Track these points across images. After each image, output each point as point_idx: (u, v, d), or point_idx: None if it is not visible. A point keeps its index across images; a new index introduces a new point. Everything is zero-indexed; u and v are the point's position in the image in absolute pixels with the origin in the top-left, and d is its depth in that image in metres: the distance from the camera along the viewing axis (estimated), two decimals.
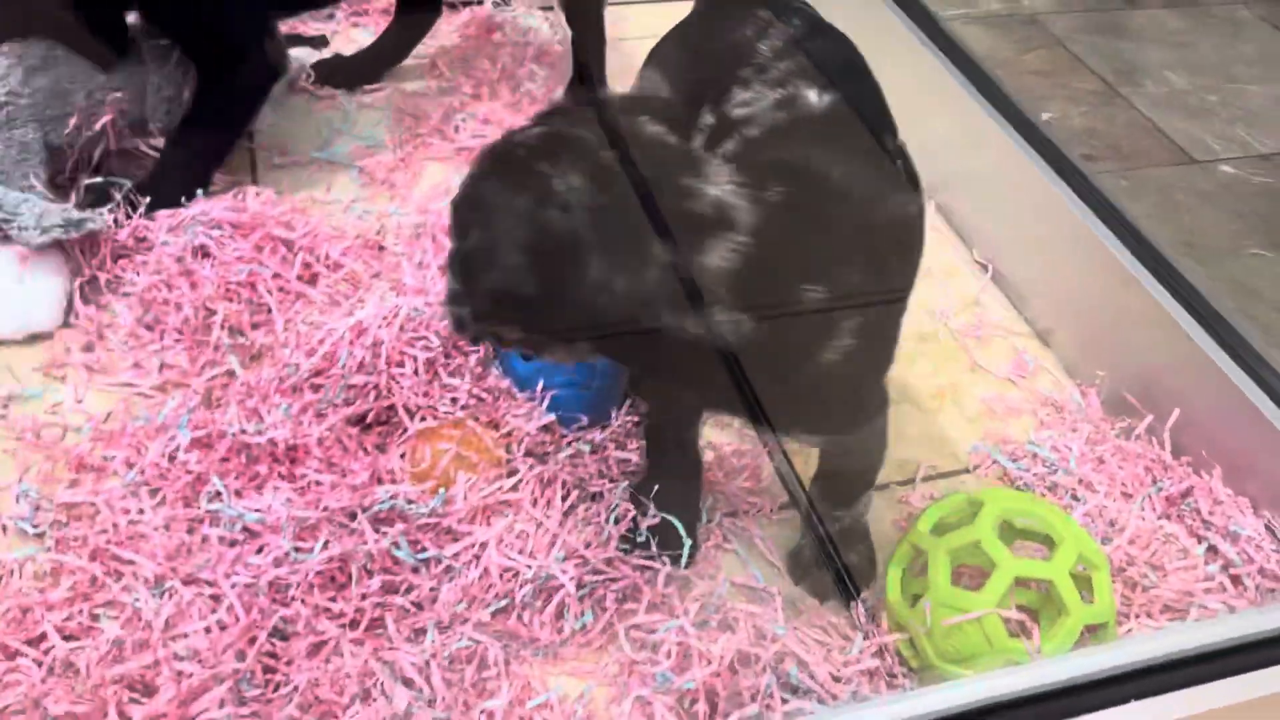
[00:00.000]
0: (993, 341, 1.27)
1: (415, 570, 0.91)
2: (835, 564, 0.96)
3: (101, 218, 1.16)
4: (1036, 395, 1.21)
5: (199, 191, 1.22)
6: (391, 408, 1.03)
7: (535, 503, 0.99)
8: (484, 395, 1.06)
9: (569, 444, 1.03)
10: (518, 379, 1.06)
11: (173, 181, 1.22)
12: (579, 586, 0.92)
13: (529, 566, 0.92)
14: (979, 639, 0.86)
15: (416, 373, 1.05)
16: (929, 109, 1.48)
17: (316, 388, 1.03)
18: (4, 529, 0.94)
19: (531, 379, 1.05)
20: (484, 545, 0.93)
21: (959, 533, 0.89)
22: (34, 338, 1.12)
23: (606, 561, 0.94)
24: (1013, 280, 1.34)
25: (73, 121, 1.21)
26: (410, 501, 0.93)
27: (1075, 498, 1.07)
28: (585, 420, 1.05)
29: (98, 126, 1.23)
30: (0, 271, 1.12)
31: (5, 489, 0.97)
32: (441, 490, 0.94)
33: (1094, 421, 1.16)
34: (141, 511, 0.94)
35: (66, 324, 1.13)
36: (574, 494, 1.00)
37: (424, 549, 0.92)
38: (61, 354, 1.10)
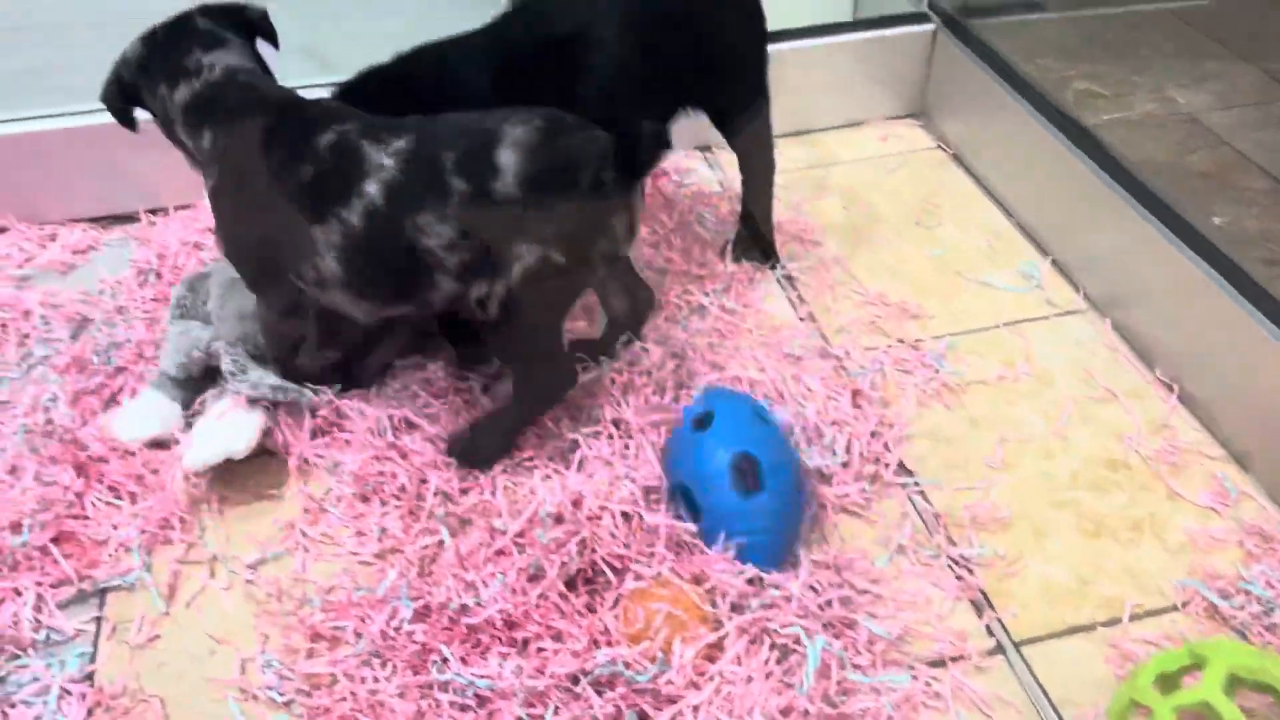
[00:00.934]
0: (1188, 467, 1.24)
1: None
2: None
3: (307, 395, 1.26)
4: (1242, 524, 1.17)
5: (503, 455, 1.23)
6: (595, 564, 1.08)
7: (740, 660, 1.01)
8: (681, 547, 1.10)
9: (765, 593, 1.05)
10: (704, 527, 1.09)
11: (481, 445, 1.23)
12: None
13: None
14: None
15: (615, 528, 1.10)
16: (1090, 222, 1.49)
17: (523, 547, 1.09)
18: (256, 698, 1.02)
19: (716, 528, 1.08)
20: (696, 709, 0.96)
21: (1187, 693, 0.87)
22: (264, 508, 1.21)
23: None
24: (1202, 399, 1.31)
25: None
26: (628, 665, 0.97)
27: None
28: (775, 569, 1.08)
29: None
30: (209, 411, 1.25)
31: (251, 659, 1.06)
32: (660, 655, 0.97)
33: None
34: (377, 680, 1.00)
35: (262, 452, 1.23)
36: (775, 650, 1.02)
37: (645, 715, 0.95)
38: (288, 522, 1.19)
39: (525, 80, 1.23)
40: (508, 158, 1.05)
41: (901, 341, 1.41)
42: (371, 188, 1.08)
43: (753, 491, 1.07)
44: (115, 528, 1.16)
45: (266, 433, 1.24)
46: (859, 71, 1.81)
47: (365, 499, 1.20)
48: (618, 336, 1.33)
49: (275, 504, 1.21)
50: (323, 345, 1.29)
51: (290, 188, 1.12)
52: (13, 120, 1.57)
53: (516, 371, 1.22)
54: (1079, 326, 1.44)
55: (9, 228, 1.59)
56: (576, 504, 1.09)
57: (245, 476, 1.23)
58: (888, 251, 1.57)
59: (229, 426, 1.21)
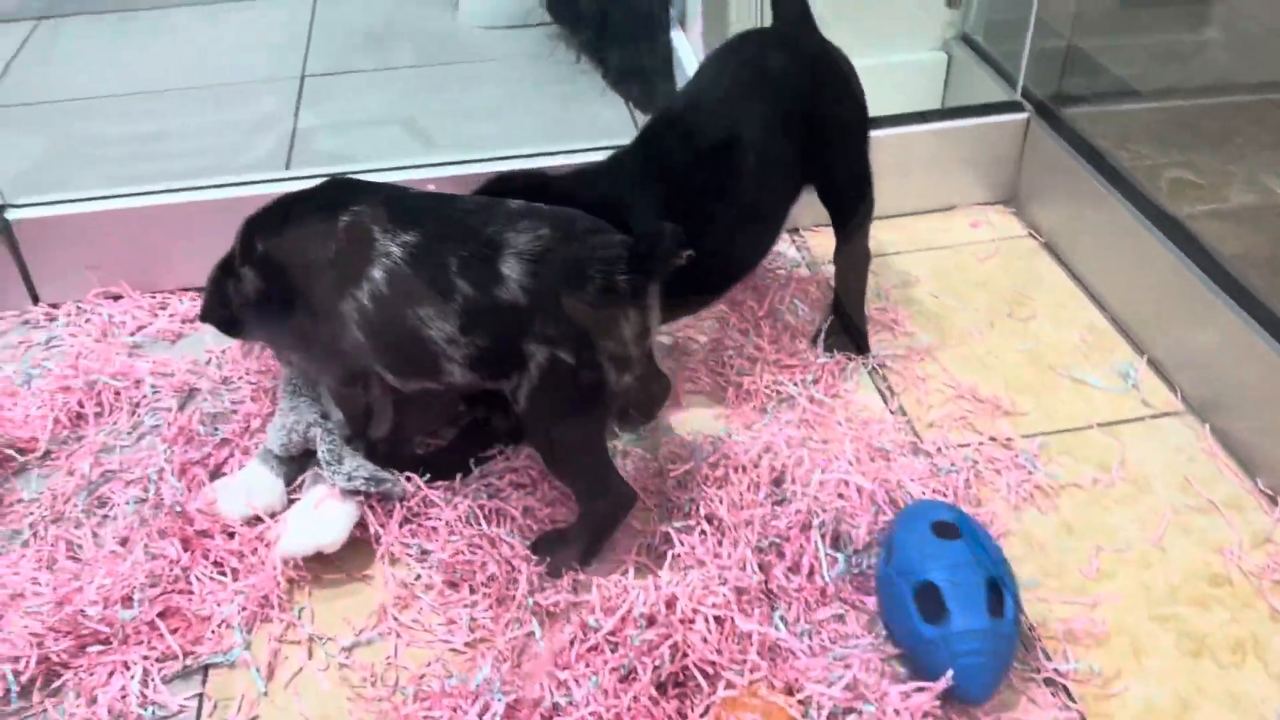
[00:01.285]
0: None
1: None
2: None
3: (400, 485, 1.29)
4: None
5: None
6: (687, 669, 1.08)
7: None
8: (775, 654, 1.09)
9: (860, 706, 1.05)
10: (920, 643, 1.07)
11: (566, 552, 1.24)
12: None
13: None
14: None
15: (708, 633, 1.10)
16: (1187, 319, 1.47)
17: (615, 646, 1.10)
18: None
19: (937, 644, 1.05)
20: None
21: None
22: (356, 589, 1.24)
23: None
24: None
25: None
26: None
27: None
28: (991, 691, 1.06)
29: None
30: (306, 496, 1.28)
31: None
32: None
33: None
34: None
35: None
36: None
37: None
38: (380, 606, 1.21)
39: (680, 191, 1.29)
40: (511, 267, 1.10)
41: (993, 439, 1.40)
42: (378, 274, 1.14)
43: (998, 614, 1.05)
44: (219, 604, 1.20)
45: (349, 495, 1.27)
46: (951, 157, 1.82)
47: (454, 586, 1.22)
48: (632, 425, 1.37)
49: (367, 586, 1.24)
50: (385, 419, 1.32)
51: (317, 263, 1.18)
52: (131, 194, 1.64)
53: (575, 495, 1.25)
54: (1176, 430, 1.42)
55: (123, 295, 1.66)
56: (670, 605, 1.10)
57: (338, 556, 1.25)
58: (979, 343, 1.56)
59: (323, 518, 1.24)
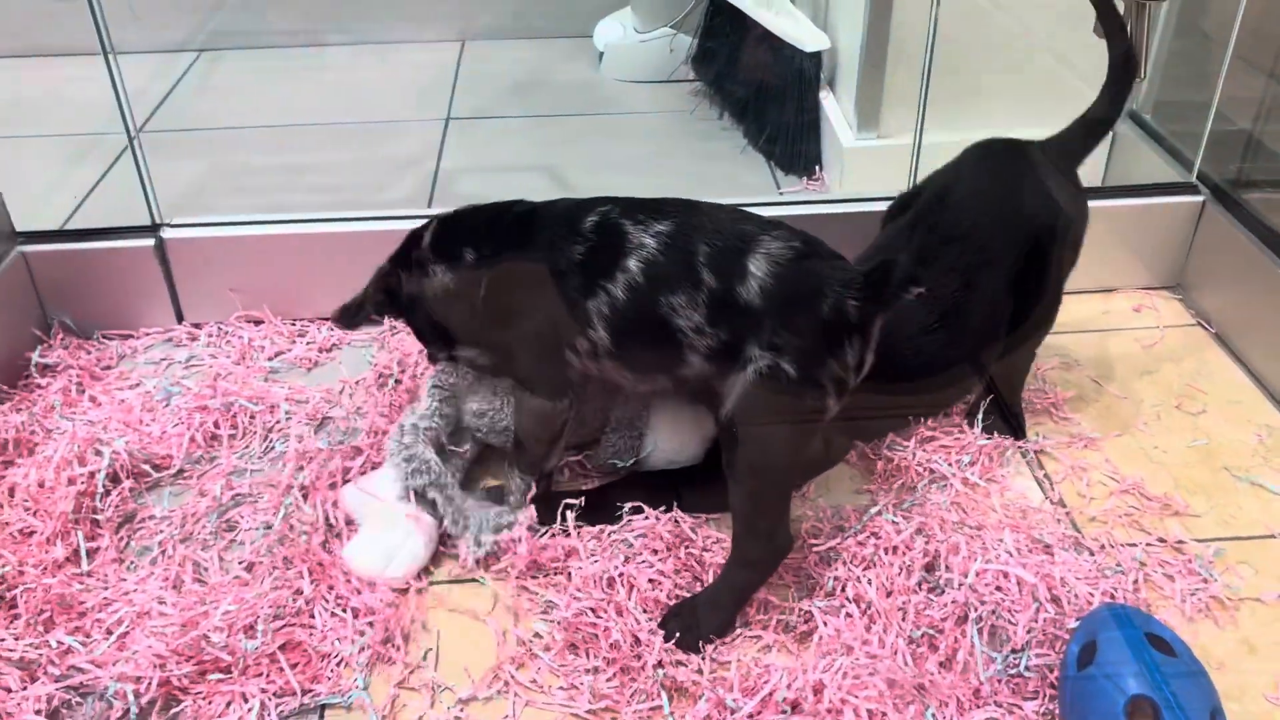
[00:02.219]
0: None
1: None
2: None
3: (524, 545, 1.24)
4: None
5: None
6: None
7: None
8: None
9: None
10: None
11: (700, 621, 1.18)
12: None
13: None
14: None
15: None
16: None
17: None
18: None
19: None
20: None
21: None
22: (477, 638, 1.18)
23: None
24: None
25: None
26: None
27: None
28: None
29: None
30: (382, 518, 1.26)
31: None
32: None
33: None
34: None
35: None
36: None
37: None
38: (499, 662, 1.16)
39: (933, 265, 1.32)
40: (759, 265, 1.11)
41: (1163, 541, 1.29)
42: (633, 264, 1.15)
43: None
44: (339, 641, 1.16)
45: (481, 562, 1.25)
46: (1114, 237, 1.72)
47: (574, 649, 1.16)
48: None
49: (487, 636, 1.19)
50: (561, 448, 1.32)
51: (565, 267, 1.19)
52: (278, 221, 1.65)
53: (736, 525, 1.18)
54: None
55: (264, 320, 1.67)
56: (817, 692, 1.02)
57: (459, 600, 1.22)
58: (1145, 436, 1.46)
59: (391, 550, 1.23)
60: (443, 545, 1.28)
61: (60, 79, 2.48)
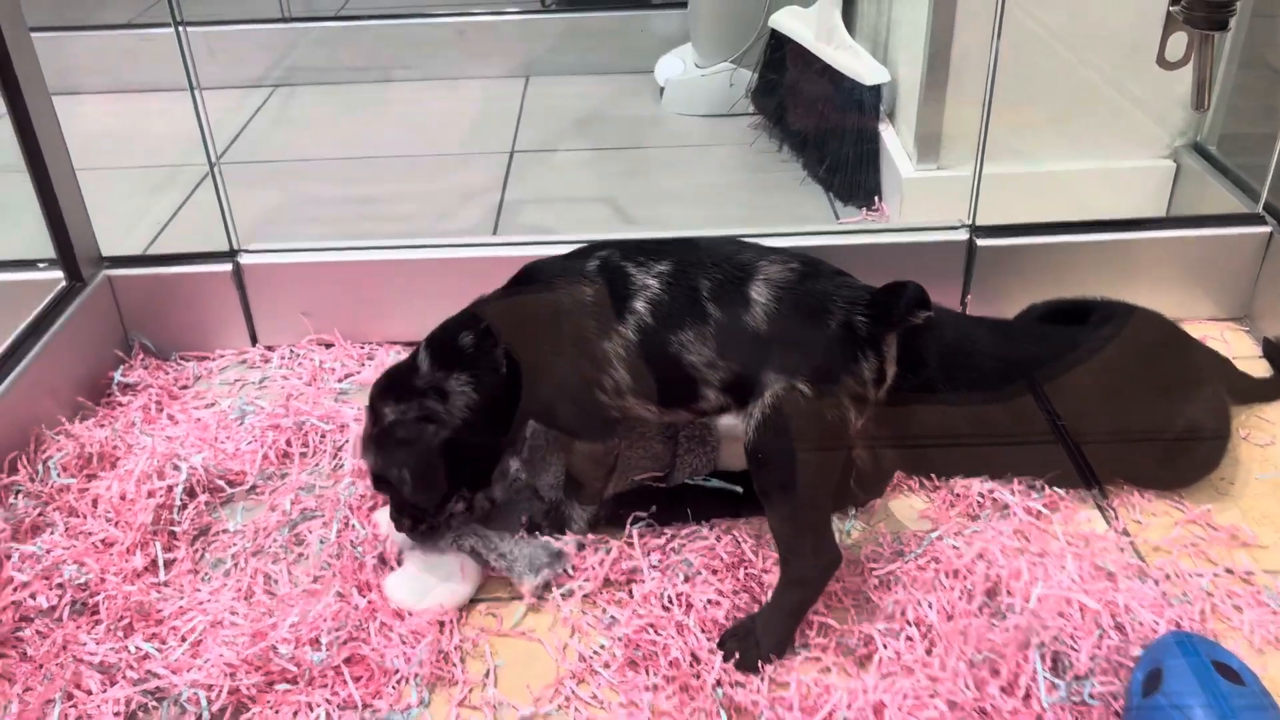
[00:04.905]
0: None
1: None
2: None
3: (568, 556, 1.28)
4: None
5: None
6: None
7: None
8: None
9: None
10: None
11: (759, 642, 1.18)
12: None
13: None
14: None
15: None
16: None
17: None
18: None
19: None
20: None
21: None
22: (535, 654, 1.20)
23: None
24: None
25: None
26: None
27: None
28: None
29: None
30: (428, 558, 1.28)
31: None
32: None
33: None
34: None
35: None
36: None
37: None
38: (559, 677, 1.17)
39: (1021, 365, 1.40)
40: (760, 291, 1.14)
41: (1230, 572, 1.27)
42: (640, 306, 1.18)
43: None
44: (399, 657, 1.18)
45: (539, 590, 1.27)
46: (1179, 268, 1.71)
47: (634, 665, 1.17)
48: (856, 504, 1.34)
49: (544, 655, 1.20)
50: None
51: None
52: (348, 248, 1.70)
53: (779, 547, 1.18)
54: None
55: (334, 343, 1.72)
56: (878, 712, 1.02)
57: (519, 619, 1.24)
58: None
59: (430, 587, 1.25)
60: (491, 570, 1.30)
61: (141, 113, 2.59)
